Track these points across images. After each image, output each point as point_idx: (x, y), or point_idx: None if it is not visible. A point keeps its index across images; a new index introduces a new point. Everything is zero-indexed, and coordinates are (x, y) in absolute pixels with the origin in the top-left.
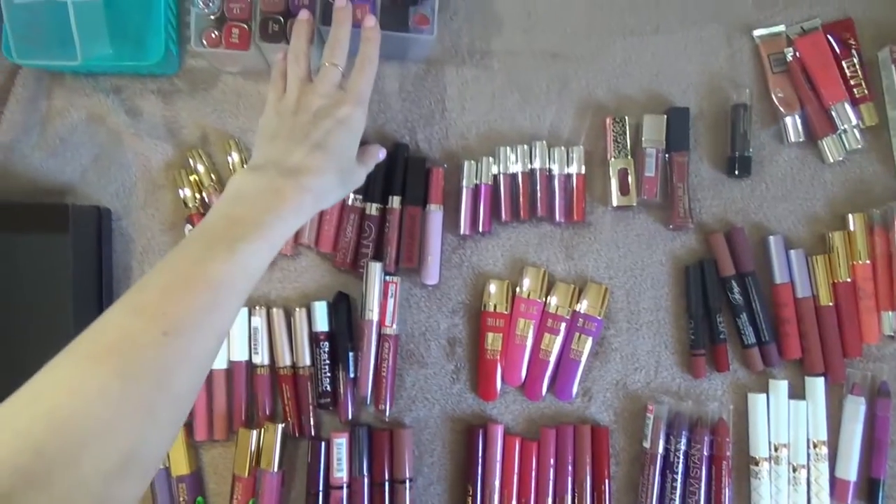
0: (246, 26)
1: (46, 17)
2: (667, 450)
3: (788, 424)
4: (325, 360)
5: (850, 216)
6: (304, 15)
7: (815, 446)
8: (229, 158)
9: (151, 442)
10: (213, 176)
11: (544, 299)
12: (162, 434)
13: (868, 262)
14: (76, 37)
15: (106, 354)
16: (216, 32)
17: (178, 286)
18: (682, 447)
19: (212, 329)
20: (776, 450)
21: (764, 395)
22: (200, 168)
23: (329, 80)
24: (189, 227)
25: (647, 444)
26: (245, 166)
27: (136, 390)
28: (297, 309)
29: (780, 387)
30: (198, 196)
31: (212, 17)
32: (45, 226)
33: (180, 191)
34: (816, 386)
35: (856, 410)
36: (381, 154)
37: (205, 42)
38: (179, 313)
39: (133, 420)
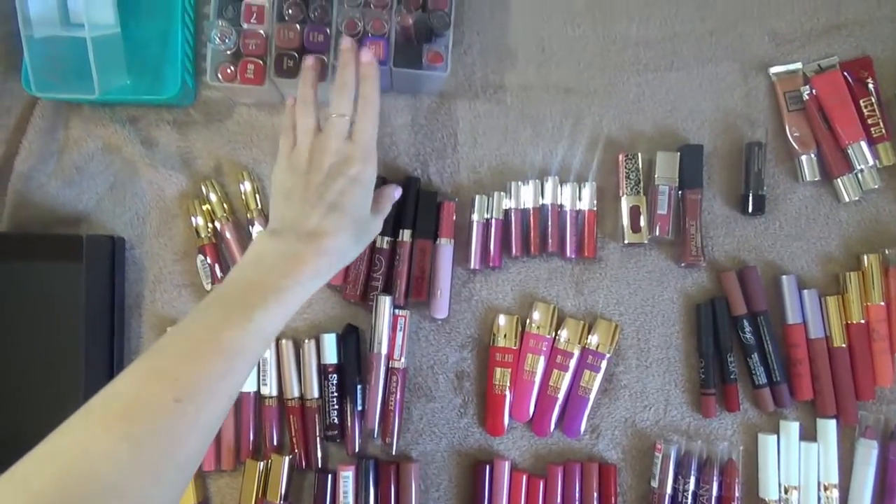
0: (261, 62)
1: (65, 50)
2: (675, 490)
3: (799, 466)
4: (333, 393)
5: (864, 256)
6: (309, 61)
7: (825, 489)
8: (242, 188)
9: None
10: (225, 206)
11: (554, 335)
12: (167, 496)
13: (882, 303)
14: (94, 70)
15: (117, 419)
16: (232, 67)
17: (193, 353)
18: (691, 487)
19: (224, 394)
20: (786, 492)
21: (775, 437)
22: (213, 198)
23: (337, 133)
24: (201, 257)
25: (655, 484)
26: (265, 229)
27: (144, 455)
28: (307, 341)
29: (792, 428)
30: (210, 225)
31: (228, 52)
32: (60, 255)
33: (193, 220)
34: (828, 428)
35: (868, 454)
36: (396, 193)
37: (220, 77)
38: (192, 380)
39: (140, 484)
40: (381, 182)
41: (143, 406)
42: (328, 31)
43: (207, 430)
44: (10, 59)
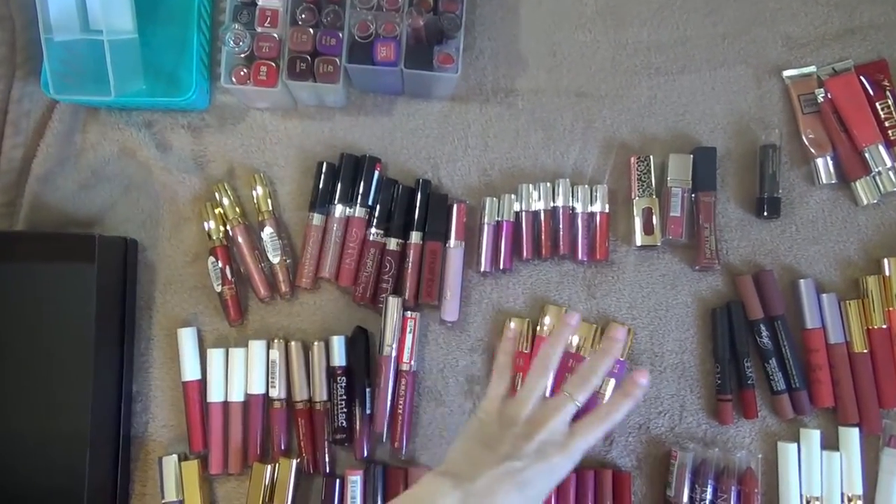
0: (274, 64)
1: (83, 54)
2: (692, 499)
3: (821, 476)
4: (341, 396)
5: (885, 261)
6: (510, 333)
7: (849, 501)
8: (254, 192)
9: None
10: (237, 209)
11: None
12: None
13: None
14: (111, 73)
15: None
16: (245, 70)
17: None
18: (708, 497)
19: None
20: (808, 503)
21: (795, 445)
22: (225, 201)
23: (563, 412)
24: (212, 259)
25: (670, 493)
26: (441, 468)
27: None
28: (315, 343)
29: (812, 436)
30: (222, 229)
31: (242, 55)
32: (73, 255)
33: (205, 223)
34: (851, 436)
35: (893, 463)
36: None
37: (234, 79)
38: None
39: None
40: (393, 184)
41: None
42: (340, 34)
43: None
44: (30, 65)
